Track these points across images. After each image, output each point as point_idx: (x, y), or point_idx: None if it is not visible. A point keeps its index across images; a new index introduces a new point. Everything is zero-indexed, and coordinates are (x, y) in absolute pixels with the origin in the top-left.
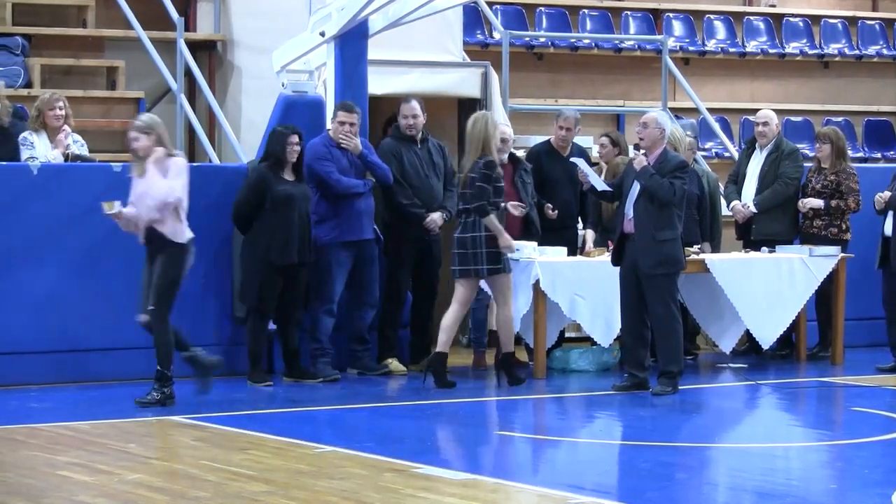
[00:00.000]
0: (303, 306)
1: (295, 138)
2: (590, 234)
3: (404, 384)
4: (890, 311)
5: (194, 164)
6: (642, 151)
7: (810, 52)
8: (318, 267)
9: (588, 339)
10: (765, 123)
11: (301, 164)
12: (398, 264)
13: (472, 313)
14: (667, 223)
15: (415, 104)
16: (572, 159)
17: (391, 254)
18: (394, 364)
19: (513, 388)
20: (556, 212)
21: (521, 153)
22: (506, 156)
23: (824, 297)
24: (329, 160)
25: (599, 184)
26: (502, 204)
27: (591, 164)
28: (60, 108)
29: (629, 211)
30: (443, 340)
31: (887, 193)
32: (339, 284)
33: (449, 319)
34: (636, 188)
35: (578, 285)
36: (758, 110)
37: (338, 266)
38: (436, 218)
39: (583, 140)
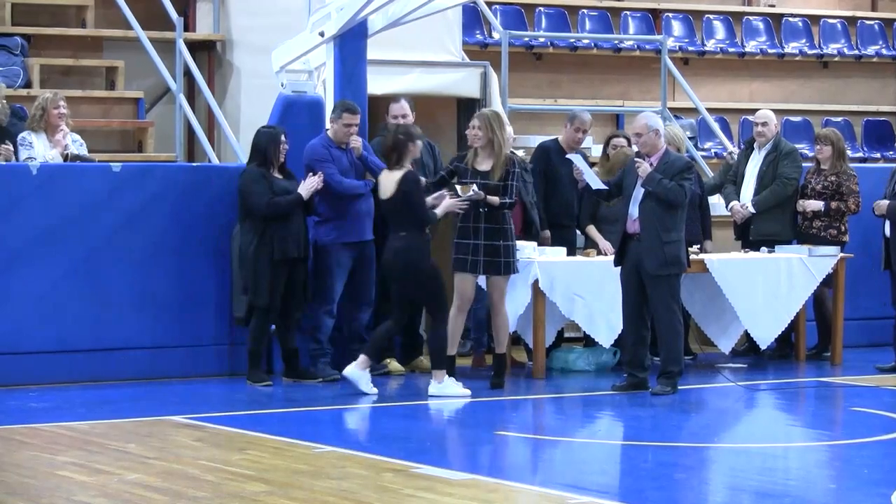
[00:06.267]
0: (301, 306)
1: (284, 138)
2: (592, 231)
3: (403, 384)
4: None
5: (193, 164)
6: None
7: (809, 52)
8: (318, 268)
9: (587, 339)
10: (763, 124)
11: (284, 163)
12: None
13: (472, 314)
14: (673, 225)
15: (403, 104)
16: (568, 155)
17: (380, 253)
18: (392, 364)
19: (513, 388)
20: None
21: (520, 153)
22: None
23: (818, 299)
24: (329, 161)
25: (595, 182)
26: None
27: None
28: (64, 108)
29: (633, 211)
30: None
31: (884, 202)
32: (339, 285)
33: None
34: (641, 189)
35: (577, 285)
36: (757, 110)
37: (338, 267)
38: None
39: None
